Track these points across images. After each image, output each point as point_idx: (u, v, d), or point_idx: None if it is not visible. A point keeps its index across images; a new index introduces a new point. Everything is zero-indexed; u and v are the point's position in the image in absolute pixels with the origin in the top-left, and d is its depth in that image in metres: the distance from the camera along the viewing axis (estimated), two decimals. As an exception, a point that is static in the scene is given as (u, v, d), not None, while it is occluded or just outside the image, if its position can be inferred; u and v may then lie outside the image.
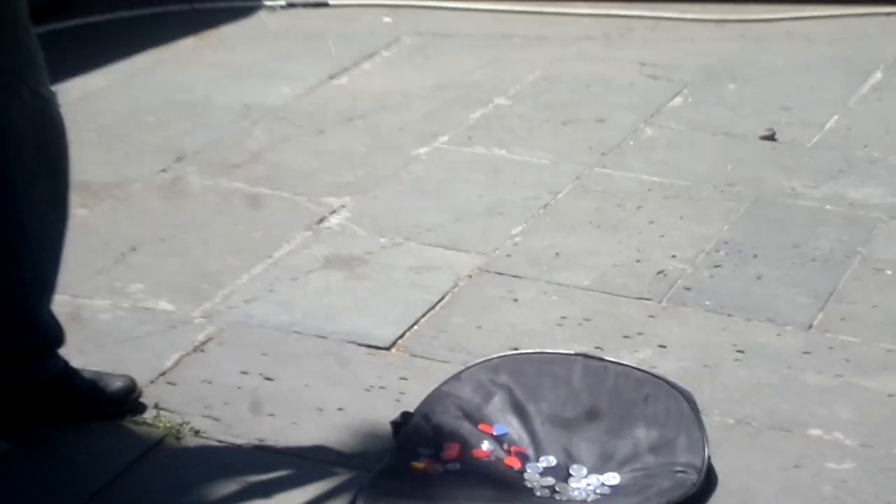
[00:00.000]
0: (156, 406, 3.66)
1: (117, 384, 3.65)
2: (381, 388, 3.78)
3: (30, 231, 3.49)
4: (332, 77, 5.75)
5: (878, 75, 5.69)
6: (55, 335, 3.60)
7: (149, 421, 3.60)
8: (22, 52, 3.39)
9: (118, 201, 4.64)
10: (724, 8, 6.52)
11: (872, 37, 6.17)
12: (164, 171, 4.90)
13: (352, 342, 4.01)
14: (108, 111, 5.04)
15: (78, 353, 3.66)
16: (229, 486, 3.36)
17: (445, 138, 5.22)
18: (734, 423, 3.59)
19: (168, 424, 3.58)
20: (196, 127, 5.24)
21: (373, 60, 5.92)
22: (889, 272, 4.39)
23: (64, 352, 3.61)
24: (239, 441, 3.53)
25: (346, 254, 4.47)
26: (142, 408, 3.65)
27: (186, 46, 6.07)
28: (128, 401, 3.66)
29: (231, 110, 5.35)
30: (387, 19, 6.35)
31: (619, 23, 6.36)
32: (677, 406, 3.56)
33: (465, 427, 3.48)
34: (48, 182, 3.48)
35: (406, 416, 3.53)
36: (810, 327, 4.11)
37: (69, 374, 3.63)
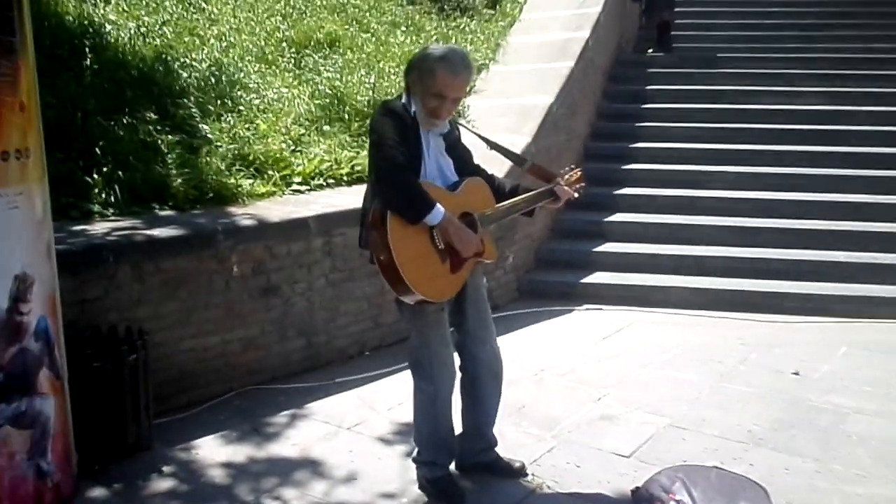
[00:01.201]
0: (532, 475, 3.62)
1: (517, 464, 3.65)
2: (625, 473, 3.66)
3: (489, 401, 3.53)
4: (603, 338, 5.67)
5: (844, 348, 5.31)
6: (494, 441, 3.63)
7: (529, 482, 3.57)
8: (486, 324, 3.47)
9: (518, 388, 4.55)
10: (760, 315, 6.19)
11: (840, 332, 5.77)
12: (535, 374, 4.87)
13: (612, 452, 3.87)
14: (510, 349, 4.86)
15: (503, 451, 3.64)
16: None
17: (654, 364, 5.07)
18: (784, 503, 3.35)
19: (536, 484, 3.56)
20: (549, 357, 5.18)
21: (620, 332, 5.83)
22: (856, 438, 4.07)
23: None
24: (563, 491, 3.50)
25: (609, 414, 4.34)
26: (526, 475, 3.60)
27: (540, 326, 6.01)
28: (522, 473, 3.61)
29: (560, 352, 5.31)
30: (624, 316, 6.18)
31: (728, 322, 6.10)
32: (758, 492, 3.42)
33: (664, 495, 3.37)
34: (494, 382, 3.52)
35: (636, 488, 3.47)
36: (818, 460, 3.82)
37: (497, 458, 3.63)
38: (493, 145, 3.55)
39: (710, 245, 6.97)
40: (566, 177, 3.63)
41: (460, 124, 3.58)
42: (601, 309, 6.31)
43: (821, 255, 6.74)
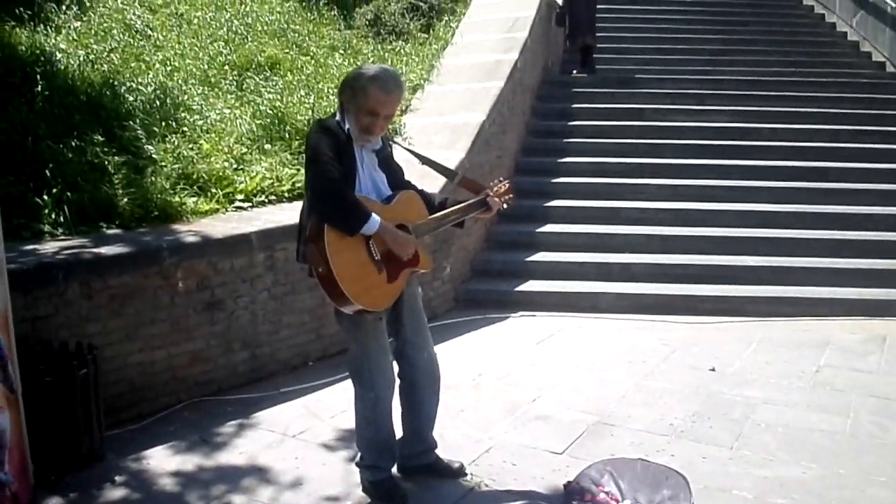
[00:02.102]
0: (470, 474, 3.64)
1: (456, 465, 3.65)
2: (558, 469, 3.71)
3: (427, 405, 3.54)
4: (537, 343, 5.69)
5: (755, 345, 5.52)
6: (434, 444, 3.63)
7: (468, 481, 3.60)
8: (423, 332, 3.49)
9: (457, 392, 4.56)
10: (680, 317, 6.29)
11: (751, 330, 5.90)
12: (473, 379, 4.90)
13: (546, 450, 3.93)
14: (449, 356, 4.84)
15: (443, 453, 3.64)
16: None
17: (584, 366, 5.14)
18: (702, 489, 3.46)
19: (475, 482, 3.58)
20: (486, 362, 5.20)
21: (553, 337, 5.86)
22: (764, 426, 4.21)
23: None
24: (500, 488, 3.52)
25: (543, 414, 4.39)
26: (465, 475, 3.61)
27: (478, 333, 6.00)
28: (462, 473, 3.62)
29: (497, 357, 5.33)
30: (557, 322, 6.22)
31: (651, 324, 6.20)
32: (679, 480, 3.50)
33: (593, 487, 3.45)
34: (432, 387, 3.53)
35: (568, 482, 3.52)
36: (731, 447, 3.95)
37: (437, 460, 3.63)
38: (425, 160, 3.58)
39: (633, 253, 7.12)
40: (495, 188, 3.67)
41: (393, 141, 3.62)
42: (535, 315, 6.37)
43: (733, 259, 6.95)
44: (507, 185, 3.72)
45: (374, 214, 3.04)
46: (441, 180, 4.66)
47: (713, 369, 5.07)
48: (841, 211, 7.52)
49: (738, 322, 6.18)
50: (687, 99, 9.51)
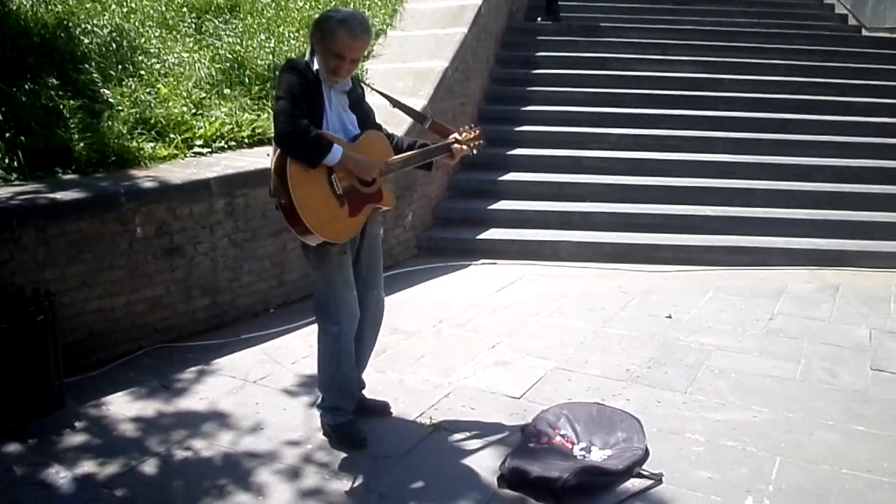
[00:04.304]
0: (430, 418, 3.68)
1: (379, 404, 3.72)
2: (516, 413, 3.76)
3: (366, 343, 3.60)
4: (498, 290, 5.71)
5: (710, 293, 5.58)
6: (363, 384, 3.69)
7: (425, 422, 3.64)
8: (377, 271, 3.52)
9: (417, 339, 4.64)
10: (639, 266, 6.37)
11: (708, 279, 5.95)
12: (434, 326, 4.90)
13: (504, 395, 3.98)
14: (410, 303, 4.98)
15: (404, 398, 3.65)
16: (457, 450, 3.40)
17: (544, 313, 5.18)
18: (656, 432, 3.53)
19: (434, 425, 3.62)
20: (447, 309, 5.22)
21: (514, 284, 5.87)
22: (718, 372, 4.30)
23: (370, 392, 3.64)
24: (459, 432, 3.55)
25: (502, 360, 4.44)
26: (390, 413, 3.70)
27: (439, 280, 6.00)
28: (387, 410, 3.71)
29: (457, 304, 5.35)
30: (518, 270, 6.25)
31: (611, 273, 6.25)
32: (633, 423, 3.56)
33: (549, 430, 3.49)
34: (374, 326, 3.60)
35: (525, 425, 3.56)
36: (685, 392, 4.03)
37: (363, 398, 3.68)
38: (396, 103, 3.59)
39: (594, 202, 7.17)
40: (463, 134, 3.66)
41: (367, 84, 3.62)
42: (496, 263, 6.40)
43: (692, 209, 7.04)
44: (477, 132, 3.72)
45: (335, 145, 3.09)
46: (406, 123, 4.64)
47: (670, 317, 5.16)
48: (798, 162, 7.62)
49: (695, 271, 6.28)
50: (650, 48, 9.50)
